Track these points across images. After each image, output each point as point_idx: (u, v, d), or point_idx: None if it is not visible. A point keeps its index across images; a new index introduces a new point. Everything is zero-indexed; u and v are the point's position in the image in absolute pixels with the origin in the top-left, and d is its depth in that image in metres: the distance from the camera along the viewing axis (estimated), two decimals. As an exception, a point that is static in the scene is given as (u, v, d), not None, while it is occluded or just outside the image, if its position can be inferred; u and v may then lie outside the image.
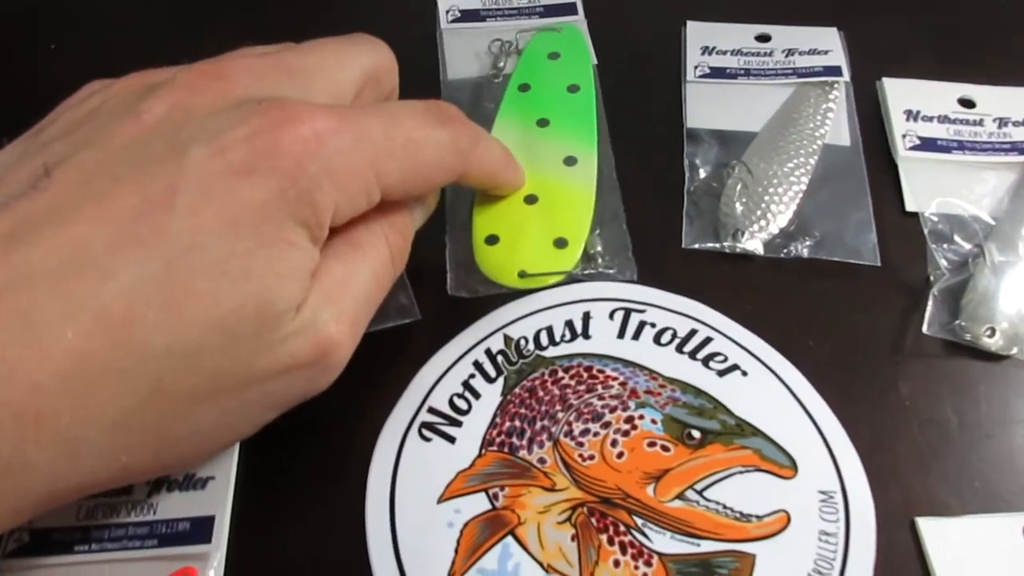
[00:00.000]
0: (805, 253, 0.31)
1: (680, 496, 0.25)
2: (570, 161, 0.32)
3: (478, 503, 0.25)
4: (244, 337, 0.20)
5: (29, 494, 0.18)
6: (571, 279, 0.30)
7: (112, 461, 0.19)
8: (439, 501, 0.25)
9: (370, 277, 0.23)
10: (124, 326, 0.18)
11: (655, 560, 0.23)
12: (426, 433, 0.26)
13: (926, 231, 0.31)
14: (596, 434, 0.26)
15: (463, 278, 0.31)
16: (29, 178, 0.19)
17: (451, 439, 0.26)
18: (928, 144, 0.34)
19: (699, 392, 0.27)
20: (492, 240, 0.30)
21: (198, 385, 0.19)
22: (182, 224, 0.19)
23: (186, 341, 0.19)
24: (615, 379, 0.27)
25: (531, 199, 0.31)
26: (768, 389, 0.27)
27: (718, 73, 0.37)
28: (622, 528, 0.24)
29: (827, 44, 0.38)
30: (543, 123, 0.34)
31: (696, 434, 0.26)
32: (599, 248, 0.31)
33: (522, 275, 0.30)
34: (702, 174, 0.34)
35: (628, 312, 0.29)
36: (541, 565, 0.24)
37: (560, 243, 0.30)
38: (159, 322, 0.18)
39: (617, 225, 0.32)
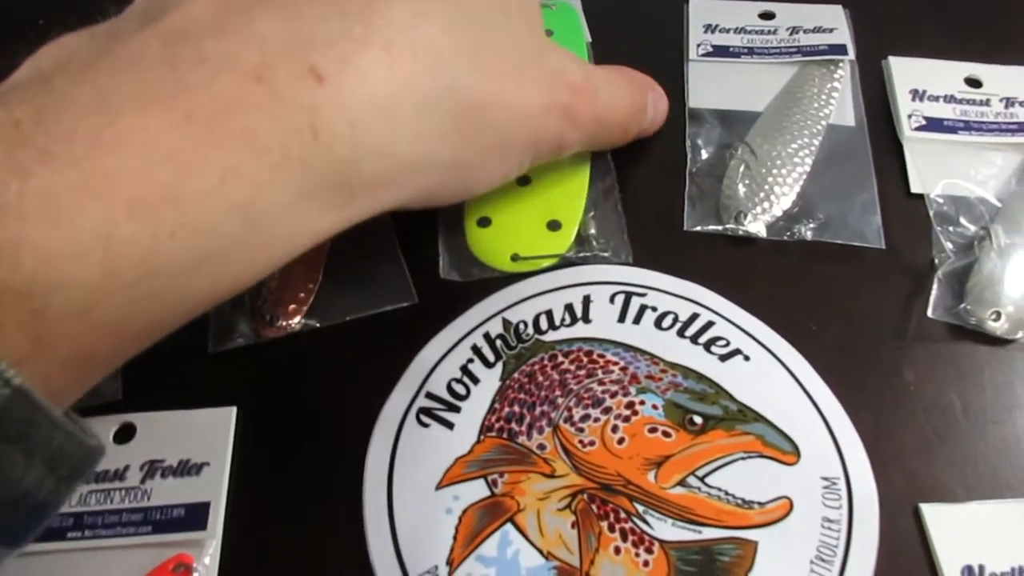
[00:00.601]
0: (808, 236, 0.31)
1: (682, 482, 0.24)
2: None
3: (477, 489, 0.24)
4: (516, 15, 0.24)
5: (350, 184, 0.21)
6: (565, 262, 0.30)
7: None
8: (437, 487, 0.25)
9: (619, 93, 0.29)
10: None
11: (656, 547, 0.23)
12: (424, 419, 0.26)
13: (931, 213, 0.31)
14: (596, 420, 0.26)
15: (455, 261, 0.30)
16: None
17: (449, 425, 0.26)
18: (934, 124, 0.34)
19: (701, 377, 0.27)
20: (484, 222, 0.30)
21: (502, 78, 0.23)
22: None
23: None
24: (616, 364, 0.27)
25: (524, 180, 0.31)
26: (771, 374, 0.27)
27: (721, 52, 0.37)
28: (623, 515, 0.24)
29: (832, 22, 0.37)
30: None
31: (698, 420, 0.25)
32: (593, 231, 0.31)
33: (515, 258, 0.29)
34: (704, 155, 0.33)
35: (629, 296, 0.29)
36: (541, 552, 0.23)
37: (553, 225, 0.30)
38: None
39: (611, 207, 0.31)
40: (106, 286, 0.16)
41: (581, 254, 0.30)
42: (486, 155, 0.25)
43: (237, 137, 0.18)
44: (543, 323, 0.28)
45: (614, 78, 0.29)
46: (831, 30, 0.37)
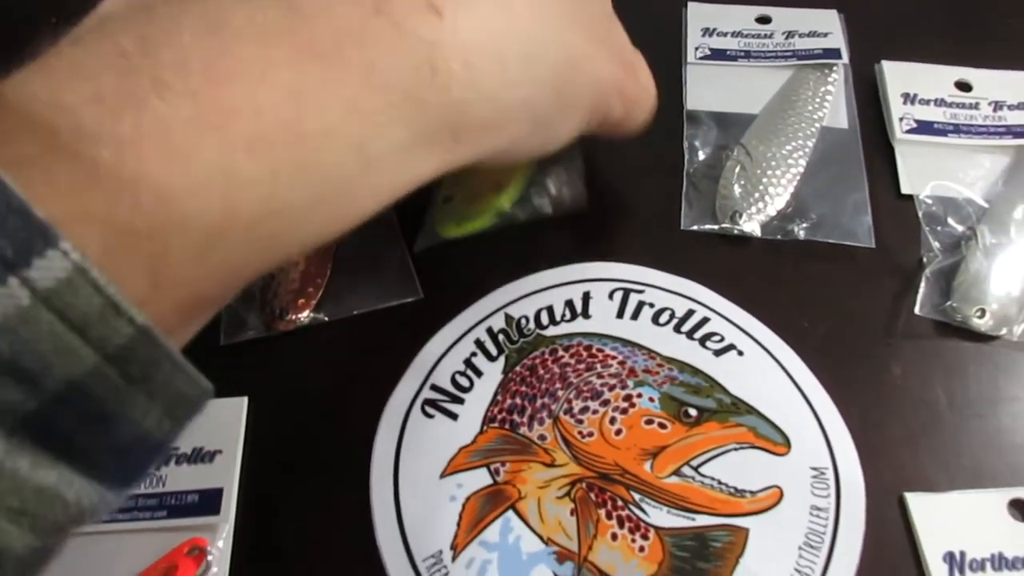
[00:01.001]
0: (802, 235, 0.31)
1: (676, 472, 0.25)
2: None
3: (480, 478, 0.25)
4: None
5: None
6: (507, 221, 0.30)
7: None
8: (442, 476, 0.26)
9: (650, 83, 0.28)
10: None
11: (652, 534, 0.24)
12: (429, 410, 0.27)
13: (920, 213, 0.32)
14: (595, 412, 0.27)
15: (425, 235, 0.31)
16: None
17: (453, 416, 0.27)
18: (925, 127, 0.35)
19: (696, 371, 0.28)
20: (448, 199, 0.31)
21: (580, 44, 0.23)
22: None
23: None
24: (614, 358, 0.28)
25: None
26: (763, 369, 0.28)
27: (718, 55, 0.38)
28: (620, 503, 0.25)
29: (827, 26, 0.38)
30: None
31: (693, 412, 0.26)
32: (552, 189, 0.31)
33: (459, 220, 0.30)
34: (701, 156, 0.34)
35: (627, 292, 0.30)
36: (541, 538, 0.24)
37: (495, 188, 0.30)
38: None
39: (572, 160, 0.31)
40: (226, 228, 0.16)
41: (521, 210, 0.30)
42: (565, 113, 0.24)
43: (357, 72, 0.17)
44: (544, 318, 0.29)
45: (646, 67, 0.28)
46: (826, 34, 0.38)
